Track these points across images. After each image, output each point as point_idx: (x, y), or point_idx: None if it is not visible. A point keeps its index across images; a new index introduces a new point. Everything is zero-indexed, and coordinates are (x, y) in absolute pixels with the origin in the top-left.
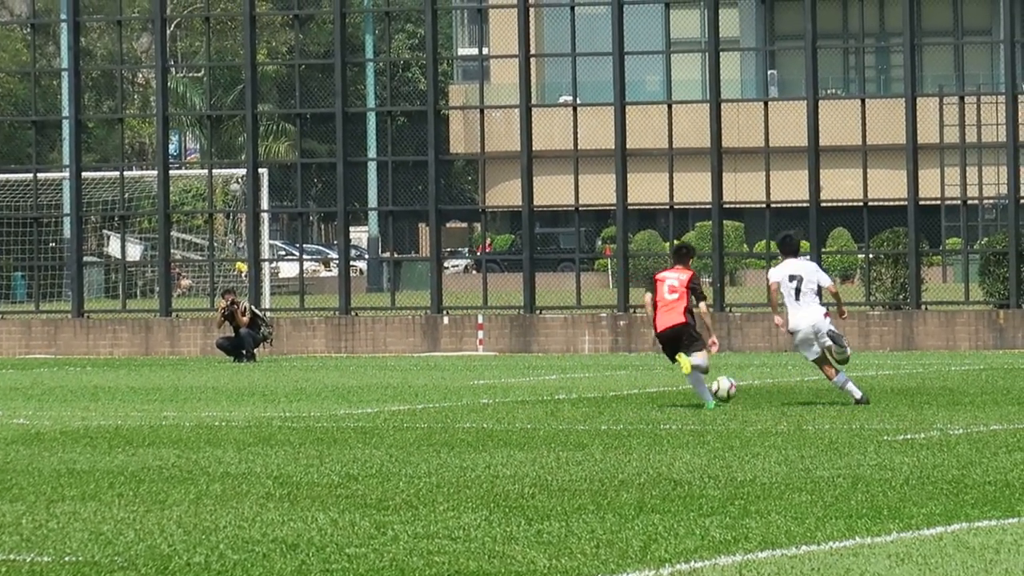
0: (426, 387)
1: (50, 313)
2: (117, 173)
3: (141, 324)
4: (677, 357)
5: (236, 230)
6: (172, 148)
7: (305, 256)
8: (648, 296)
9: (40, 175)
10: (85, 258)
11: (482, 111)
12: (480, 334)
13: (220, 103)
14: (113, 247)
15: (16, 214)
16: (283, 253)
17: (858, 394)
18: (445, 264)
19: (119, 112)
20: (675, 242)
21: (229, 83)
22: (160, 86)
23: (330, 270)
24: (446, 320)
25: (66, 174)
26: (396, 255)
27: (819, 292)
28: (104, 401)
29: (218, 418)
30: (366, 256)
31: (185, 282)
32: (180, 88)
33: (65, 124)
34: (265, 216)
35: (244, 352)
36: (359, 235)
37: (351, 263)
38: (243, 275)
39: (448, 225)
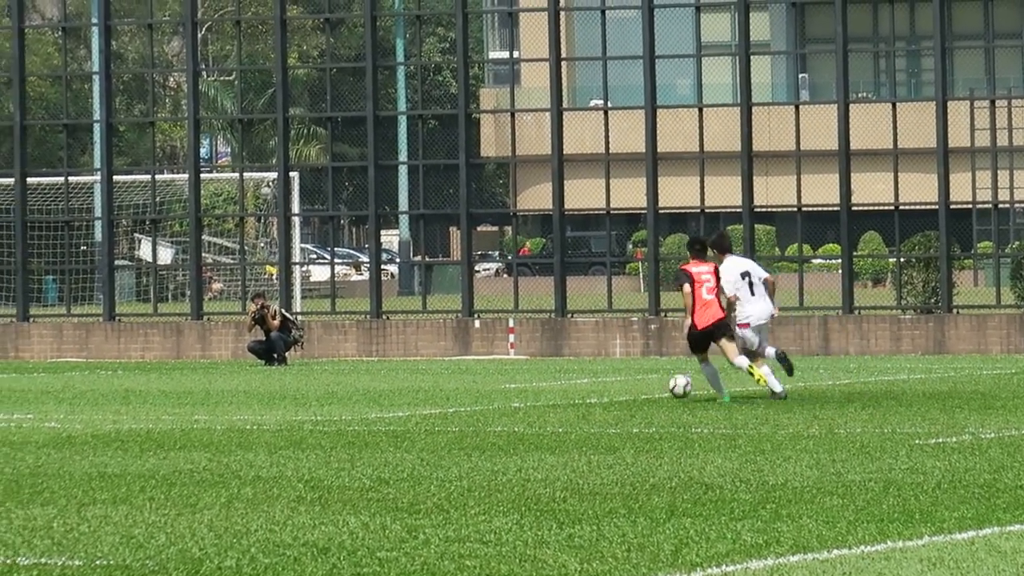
0: (457, 391)
1: (81, 317)
2: (148, 176)
3: (172, 328)
4: (750, 369)
5: (267, 233)
6: (203, 151)
7: (336, 260)
8: (688, 288)
9: (71, 178)
10: (116, 262)
11: (513, 115)
12: (511, 338)
13: (251, 107)
14: (144, 251)
15: (47, 217)
16: (314, 257)
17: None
18: (476, 267)
19: (150, 116)
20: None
21: (260, 87)
22: (191, 89)
23: (361, 274)
24: (477, 324)
25: (97, 177)
26: (427, 259)
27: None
28: (135, 405)
29: (249, 422)
30: (397, 260)
31: (216, 285)
32: (211, 92)
33: (96, 127)
34: (296, 220)
35: (275, 356)
36: (390, 238)
37: (382, 267)
38: (273, 277)
39: (479, 228)
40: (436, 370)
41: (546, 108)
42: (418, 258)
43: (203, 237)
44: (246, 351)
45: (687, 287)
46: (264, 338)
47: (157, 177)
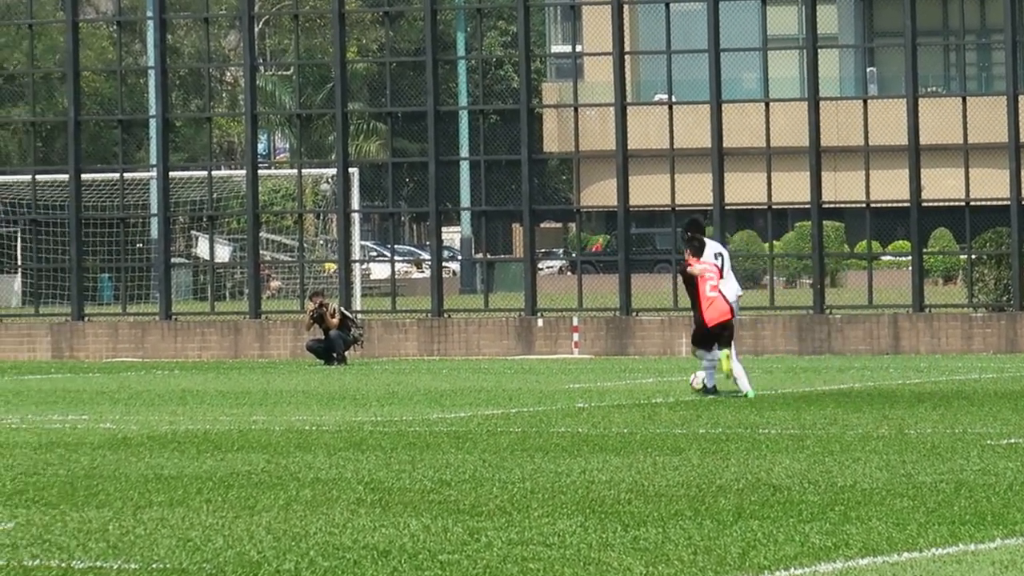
0: (520, 391)
1: (137, 315)
2: (205, 173)
3: (230, 326)
4: (721, 356)
5: (326, 230)
6: (261, 147)
7: (397, 257)
8: (272, 284)
9: (127, 175)
10: (173, 259)
11: (576, 109)
12: (575, 336)
13: (309, 102)
14: (201, 248)
15: (103, 214)
16: (374, 254)
17: (711, 384)
18: (539, 265)
19: (207, 111)
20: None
21: (318, 81)
22: (248, 84)
23: (422, 271)
24: (540, 322)
25: (153, 174)
26: (489, 256)
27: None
28: (192, 405)
29: (308, 422)
30: (459, 257)
31: (275, 284)
32: (269, 86)
33: (152, 123)
34: (356, 216)
35: (335, 355)
36: (452, 236)
37: (443, 264)
38: (332, 274)
39: (542, 225)
40: (498, 370)
41: (610, 103)
42: (480, 255)
43: (261, 234)
44: (305, 350)
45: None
46: (323, 337)
47: (214, 173)
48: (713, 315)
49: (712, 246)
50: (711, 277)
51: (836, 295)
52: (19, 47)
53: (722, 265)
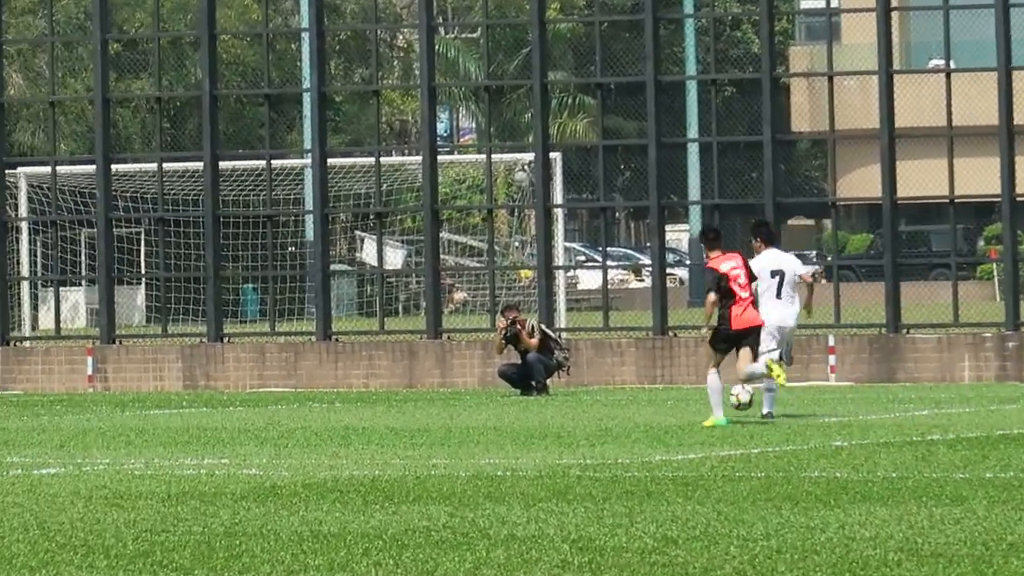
0: (763, 426)
1: (289, 335)
2: (372, 159)
3: (403, 349)
4: (768, 363)
5: (522, 230)
6: (441, 128)
7: (610, 262)
8: (713, 296)
9: (275, 162)
10: (333, 266)
11: (831, 79)
12: (831, 359)
13: (500, 71)
14: (368, 252)
15: (246, 211)
16: (582, 259)
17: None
18: None
19: (373, 83)
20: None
21: (512, 46)
22: (425, 50)
23: (641, 279)
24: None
25: (308, 161)
26: None
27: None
28: (357, 446)
29: (500, 466)
30: (687, 262)
31: (458, 295)
32: (450, 53)
33: (306, 98)
34: (559, 212)
35: (533, 383)
36: (678, 235)
37: (668, 271)
38: (530, 284)
39: (790, 222)
40: None
41: (873, 71)
42: None
43: (441, 235)
44: (496, 377)
45: (712, 296)
46: (519, 361)
47: (383, 160)
48: (744, 320)
49: (775, 261)
50: (738, 274)
51: None
52: (142, 6)
53: (779, 285)
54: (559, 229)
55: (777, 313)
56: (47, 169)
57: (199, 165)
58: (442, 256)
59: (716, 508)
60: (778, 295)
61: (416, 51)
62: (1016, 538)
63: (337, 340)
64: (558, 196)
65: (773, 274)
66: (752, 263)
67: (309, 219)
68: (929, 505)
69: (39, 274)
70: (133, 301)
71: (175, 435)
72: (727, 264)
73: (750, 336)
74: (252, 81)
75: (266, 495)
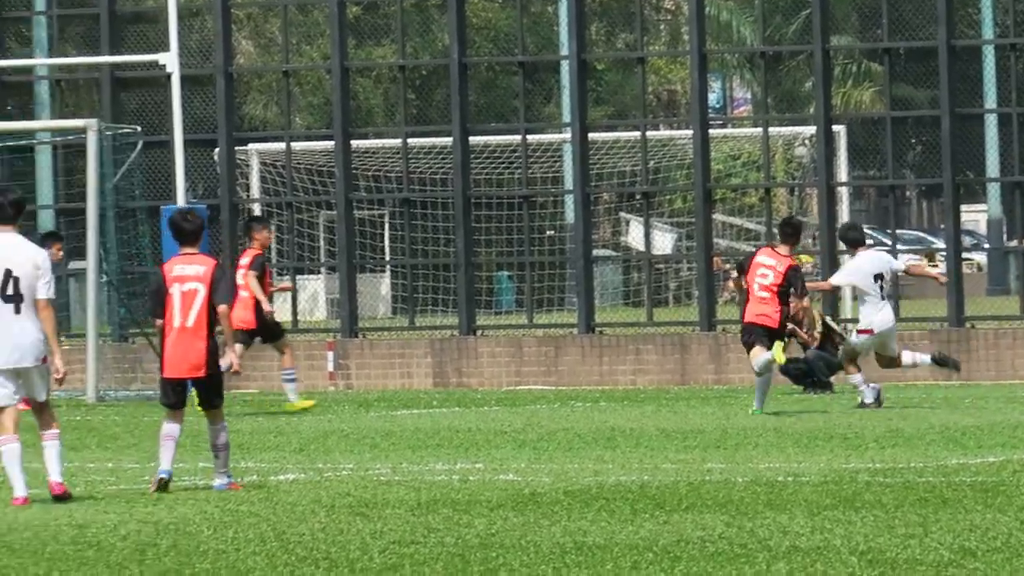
0: None
1: (548, 328)
2: (637, 134)
3: (675, 342)
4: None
5: (804, 210)
6: (713, 99)
7: (900, 246)
8: (731, 283)
9: (531, 137)
10: (595, 251)
11: None
12: None
13: (778, 35)
14: (634, 236)
15: (499, 191)
16: (870, 243)
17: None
18: None
19: (639, 49)
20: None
21: (790, 8)
22: (695, 13)
23: (935, 265)
24: None
25: (567, 135)
26: None
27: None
28: (624, 449)
29: (782, 471)
30: (986, 245)
31: (733, 284)
32: (723, 16)
33: (564, 66)
34: (843, 191)
35: (815, 379)
36: (975, 216)
37: (965, 256)
38: (812, 271)
39: None
40: None
41: None
42: (1014, 243)
43: (715, 216)
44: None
45: (730, 283)
46: (800, 356)
47: (649, 134)
48: (753, 313)
49: (873, 263)
50: (765, 274)
51: None
52: None
53: (882, 287)
54: (843, 209)
55: (882, 315)
56: (281, 145)
57: (447, 140)
58: (715, 240)
59: (1019, 516)
60: (882, 296)
61: (685, 14)
62: None
63: (601, 332)
64: (842, 173)
65: (876, 278)
66: (851, 266)
67: (569, 199)
68: None
69: (273, 261)
70: (377, 291)
71: (424, 437)
72: (761, 258)
73: (755, 334)
74: (505, 48)
75: (525, 503)
